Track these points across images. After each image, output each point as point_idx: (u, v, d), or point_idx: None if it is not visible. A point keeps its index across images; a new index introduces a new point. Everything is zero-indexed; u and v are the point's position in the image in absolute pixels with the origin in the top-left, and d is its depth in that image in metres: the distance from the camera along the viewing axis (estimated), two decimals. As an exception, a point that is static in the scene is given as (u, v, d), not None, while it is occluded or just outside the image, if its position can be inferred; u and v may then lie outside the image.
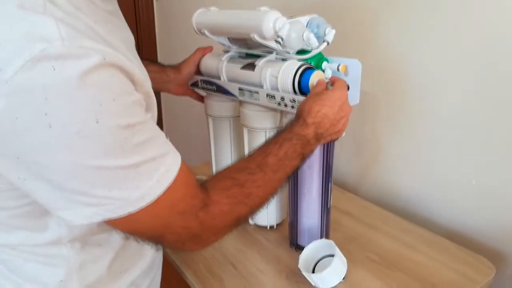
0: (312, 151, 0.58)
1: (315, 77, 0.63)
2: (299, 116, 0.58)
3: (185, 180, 0.45)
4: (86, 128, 0.36)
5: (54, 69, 0.34)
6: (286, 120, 0.75)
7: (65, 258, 0.50)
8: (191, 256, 0.76)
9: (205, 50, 0.83)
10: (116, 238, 0.53)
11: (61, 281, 0.50)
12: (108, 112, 0.37)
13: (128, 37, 0.53)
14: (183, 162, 0.46)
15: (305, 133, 0.56)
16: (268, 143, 0.55)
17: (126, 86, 0.39)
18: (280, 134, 0.56)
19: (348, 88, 0.68)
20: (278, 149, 0.53)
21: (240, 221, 0.51)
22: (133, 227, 0.43)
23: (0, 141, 0.36)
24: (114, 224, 0.42)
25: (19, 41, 0.34)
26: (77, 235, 0.49)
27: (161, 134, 0.45)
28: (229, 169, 0.52)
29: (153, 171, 0.41)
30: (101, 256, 0.53)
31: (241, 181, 0.50)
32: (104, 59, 0.36)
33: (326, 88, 0.61)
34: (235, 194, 0.49)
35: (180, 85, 0.85)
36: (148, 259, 0.60)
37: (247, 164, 0.53)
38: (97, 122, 0.36)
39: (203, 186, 0.49)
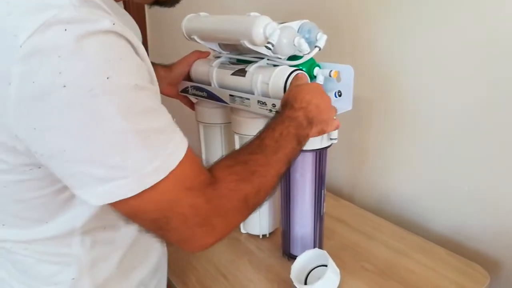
0: (307, 136, 0.57)
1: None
2: (286, 105, 0.58)
3: (192, 158, 0.44)
4: (97, 85, 0.37)
5: (65, 30, 0.35)
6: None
7: (76, 256, 0.50)
8: (181, 267, 0.74)
9: (202, 54, 0.81)
10: (124, 236, 0.54)
11: (73, 279, 0.51)
12: (117, 69, 0.38)
13: (135, 28, 0.55)
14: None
15: (296, 115, 0.56)
16: (261, 131, 0.55)
17: (132, 53, 0.41)
18: (271, 122, 0.56)
19: (340, 94, 0.67)
20: (272, 132, 0.53)
21: (248, 202, 0.48)
22: (139, 207, 0.41)
23: (20, 111, 0.37)
24: (121, 205, 0.40)
25: (32, 9, 0.36)
26: (88, 229, 0.50)
27: (169, 115, 0.44)
28: (229, 154, 0.51)
29: (165, 142, 0.41)
30: (110, 254, 0.53)
31: (244, 159, 0.49)
32: (114, 24, 0.38)
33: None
34: (238, 171, 0.48)
35: (171, 85, 0.83)
36: (154, 257, 0.61)
37: (246, 147, 0.52)
38: (107, 78, 0.37)
39: (207, 168, 0.48)
